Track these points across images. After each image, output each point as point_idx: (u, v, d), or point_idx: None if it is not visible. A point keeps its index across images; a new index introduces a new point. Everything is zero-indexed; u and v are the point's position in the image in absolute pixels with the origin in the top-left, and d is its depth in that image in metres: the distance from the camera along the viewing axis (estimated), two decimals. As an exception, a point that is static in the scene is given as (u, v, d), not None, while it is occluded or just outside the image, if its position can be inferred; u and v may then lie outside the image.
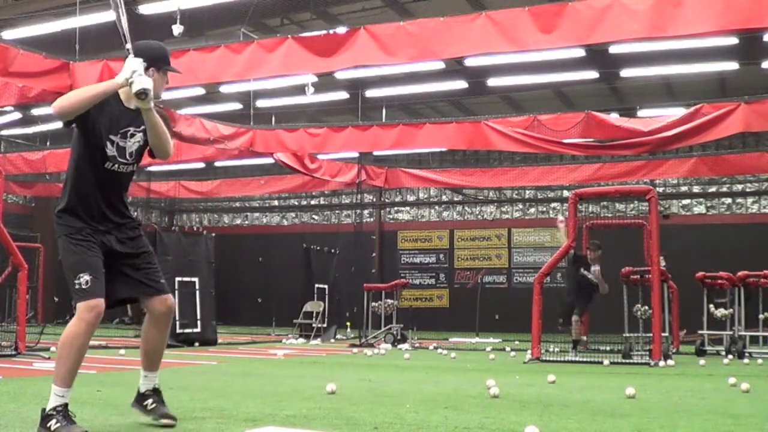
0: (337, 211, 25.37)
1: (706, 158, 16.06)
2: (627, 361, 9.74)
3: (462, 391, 6.11)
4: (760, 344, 11.98)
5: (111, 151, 3.92)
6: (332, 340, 16.18)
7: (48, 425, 3.64)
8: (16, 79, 10.60)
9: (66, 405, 3.70)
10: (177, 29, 11.84)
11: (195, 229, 22.78)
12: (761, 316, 11.56)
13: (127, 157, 3.98)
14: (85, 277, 3.77)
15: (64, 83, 10.99)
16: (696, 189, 21.59)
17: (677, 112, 13.55)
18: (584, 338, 11.85)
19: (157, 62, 4.04)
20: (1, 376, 6.59)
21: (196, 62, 10.54)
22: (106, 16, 13.01)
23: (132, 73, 3.74)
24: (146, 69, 3.87)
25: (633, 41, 12.18)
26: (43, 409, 3.71)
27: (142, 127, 3.98)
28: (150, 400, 4.12)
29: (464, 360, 10.56)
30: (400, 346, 13.45)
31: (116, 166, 3.96)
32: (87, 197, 3.93)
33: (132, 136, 3.99)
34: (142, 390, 4.17)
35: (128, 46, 3.89)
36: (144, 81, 3.75)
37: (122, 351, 10.04)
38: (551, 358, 9.93)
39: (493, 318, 20.57)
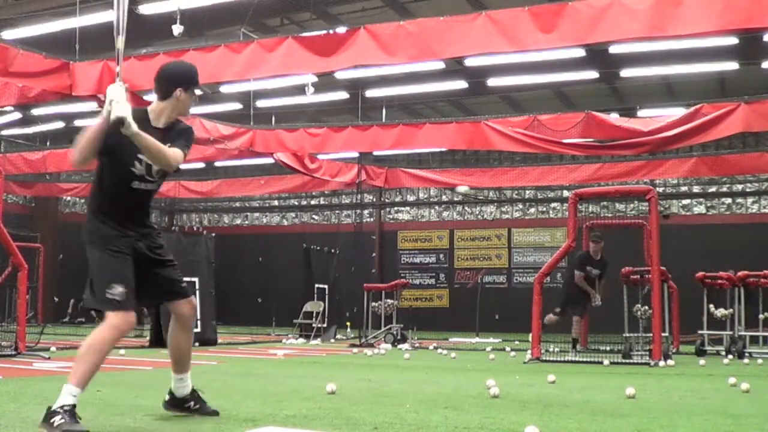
0: (337, 211, 25.38)
1: (706, 158, 16.06)
2: (627, 361, 9.73)
3: (462, 391, 6.11)
4: (760, 344, 11.98)
5: (139, 170, 4.03)
6: (332, 340, 16.18)
7: (52, 421, 3.63)
8: (16, 79, 10.60)
9: (74, 406, 3.71)
10: (177, 29, 11.84)
11: (195, 229, 22.79)
12: (761, 316, 11.57)
13: (154, 174, 4.09)
14: (120, 289, 3.88)
15: (64, 83, 10.99)
16: (696, 189, 21.59)
17: (677, 112, 13.55)
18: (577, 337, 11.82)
19: (185, 84, 4.15)
20: (1, 376, 6.60)
21: (196, 62, 10.34)
22: (106, 16, 13.00)
23: (110, 102, 3.76)
24: (174, 89, 4.06)
25: (633, 41, 12.19)
26: (50, 407, 3.71)
27: (168, 144, 4.04)
28: (192, 402, 4.35)
29: (464, 360, 10.55)
30: (400, 346, 13.45)
31: (144, 184, 4.08)
32: (117, 210, 4.05)
33: None
34: (180, 394, 4.34)
35: (118, 69, 3.94)
36: (120, 109, 3.73)
37: (122, 351, 10.03)
38: (551, 358, 9.93)
39: (493, 318, 20.57)
